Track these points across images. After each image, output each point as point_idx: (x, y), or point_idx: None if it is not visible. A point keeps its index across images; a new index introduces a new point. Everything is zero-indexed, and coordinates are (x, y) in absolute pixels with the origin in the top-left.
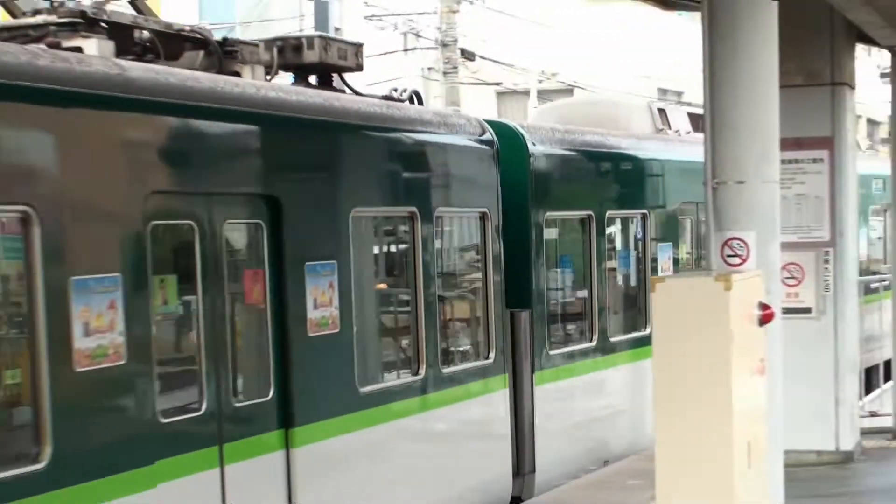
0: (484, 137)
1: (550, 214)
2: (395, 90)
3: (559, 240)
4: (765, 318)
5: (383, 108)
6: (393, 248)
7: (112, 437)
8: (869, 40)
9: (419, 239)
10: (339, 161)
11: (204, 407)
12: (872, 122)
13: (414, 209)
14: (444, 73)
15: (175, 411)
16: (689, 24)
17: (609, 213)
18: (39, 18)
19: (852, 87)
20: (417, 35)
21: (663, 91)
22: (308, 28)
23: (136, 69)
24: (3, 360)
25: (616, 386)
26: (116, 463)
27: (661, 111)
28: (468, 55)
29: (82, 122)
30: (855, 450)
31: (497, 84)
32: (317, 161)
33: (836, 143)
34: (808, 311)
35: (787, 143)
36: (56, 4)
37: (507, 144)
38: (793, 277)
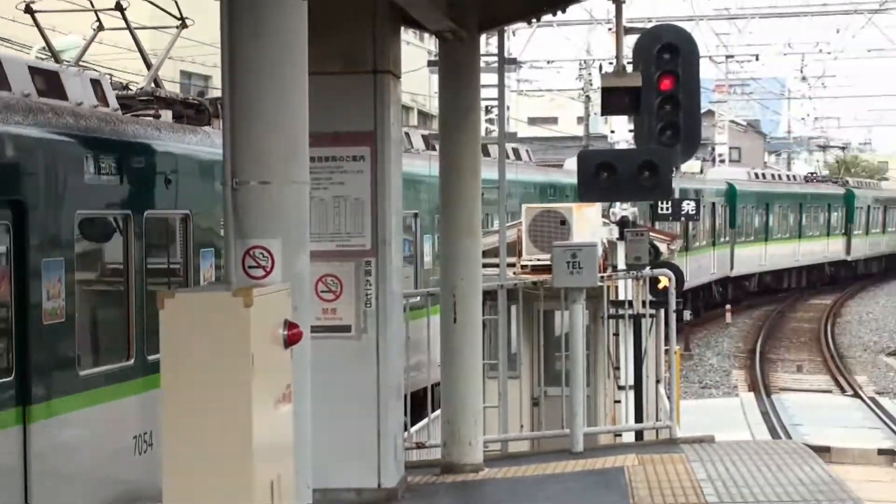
0: None
1: None
2: None
3: None
4: (291, 339)
5: None
6: None
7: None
8: (416, 24)
9: None
10: None
11: None
12: (425, 115)
13: None
14: None
15: None
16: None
17: None
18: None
19: (397, 76)
20: None
21: (188, 74)
22: None
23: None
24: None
25: None
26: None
27: None
28: None
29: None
30: (399, 487)
31: None
32: None
33: (379, 138)
34: (347, 329)
35: (323, 138)
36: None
37: None
38: (330, 291)
